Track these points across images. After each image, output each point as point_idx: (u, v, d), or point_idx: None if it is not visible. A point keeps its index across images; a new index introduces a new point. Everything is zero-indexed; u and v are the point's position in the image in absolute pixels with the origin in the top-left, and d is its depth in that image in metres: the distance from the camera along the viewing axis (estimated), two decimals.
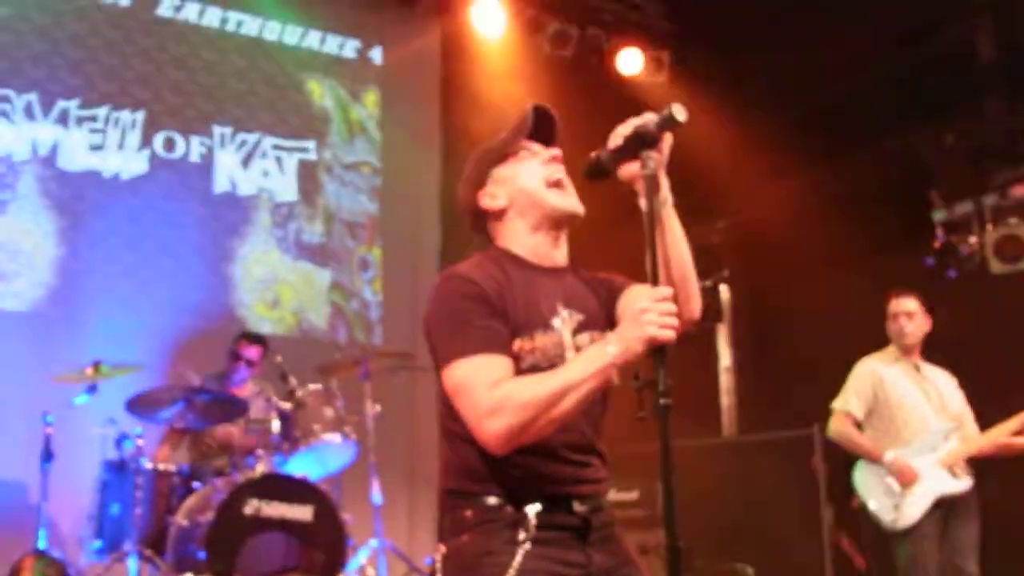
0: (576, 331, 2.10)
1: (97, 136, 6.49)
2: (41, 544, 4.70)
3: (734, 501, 6.95)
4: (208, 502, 4.65)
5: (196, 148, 6.80)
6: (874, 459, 4.54)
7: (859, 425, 4.68)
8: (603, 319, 2.11)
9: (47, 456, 4.88)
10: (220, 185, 6.86)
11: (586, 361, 1.93)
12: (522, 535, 1.99)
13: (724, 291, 8.89)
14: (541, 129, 2.20)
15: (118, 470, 5.04)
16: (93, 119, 6.49)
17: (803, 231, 7.51)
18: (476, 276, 2.05)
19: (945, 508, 4.43)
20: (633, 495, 6.65)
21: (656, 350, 1.86)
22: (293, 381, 5.05)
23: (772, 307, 8.86)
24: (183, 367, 5.41)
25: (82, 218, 6.34)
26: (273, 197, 7.02)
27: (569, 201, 2.15)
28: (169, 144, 6.72)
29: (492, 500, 2.03)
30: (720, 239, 8.82)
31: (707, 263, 8.85)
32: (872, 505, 4.58)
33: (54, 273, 6.21)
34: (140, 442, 4.95)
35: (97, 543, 4.99)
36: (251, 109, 7.05)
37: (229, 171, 6.91)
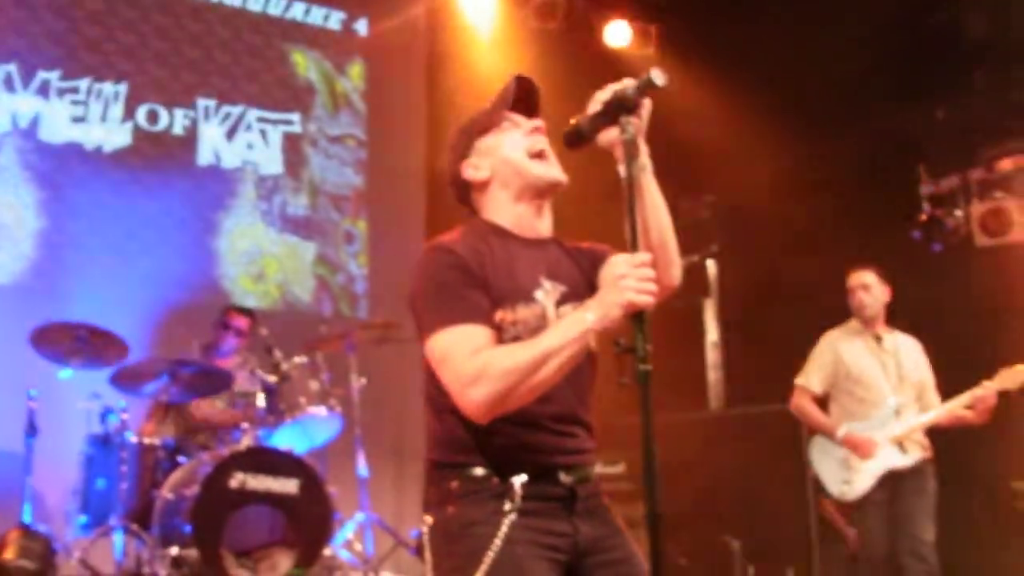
0: (559, 303, 2.10)
1: (79, 108, 6.42)
2: (26, 519, 4.68)
3: (720, 475, 6.98)
4: (194, 476, 4.64)
5: (180, 120, 6.73)
6: (829, 434, 4.65)
7: (821, 400, 4.77)
8: (586, 290, 2.08)
9: (31, 431, 4.84)
10: (204, 158, 6.81)
11: (565, 327, 1.94)
12: (507, 505, 1.99)
13: (712, 266, 8.88)
14: (524, 100, 2.20)
15: (103, 444, 5.03)
16: (75, 91, 6.42)
17: (791, 206, 7.50)
18: (458, 248, 2.06)
19: (895, 480, 4.50)
20: (619, 468, 6.68)
21: (635, 316, 1.87)
22: (278, 354, 5.04)
23: (760, 282, 8.87)
24: (170, 341, 5.38)
25: (64, 191, 6.28)
26: (258, 170, 6.97)
27: (551, 171, 2.15)
28: (152, 116, 6.65)
29: (478, 471, 2.04)
30: (708, 214, 8.80)
31: (695, 238, 8.94)
32: (823, 477, 4.71)
33: (36, 246, 6.15)
34: (125, 416, 4.93)
35: (83, 518, 4.97)
36: (235, 81, 6.98)
37: (213, 144, 6.85)
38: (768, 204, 7.87)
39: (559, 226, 2.29)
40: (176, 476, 4.80)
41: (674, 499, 6.84)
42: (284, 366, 4.99)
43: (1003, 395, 4.38)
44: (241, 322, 5.64)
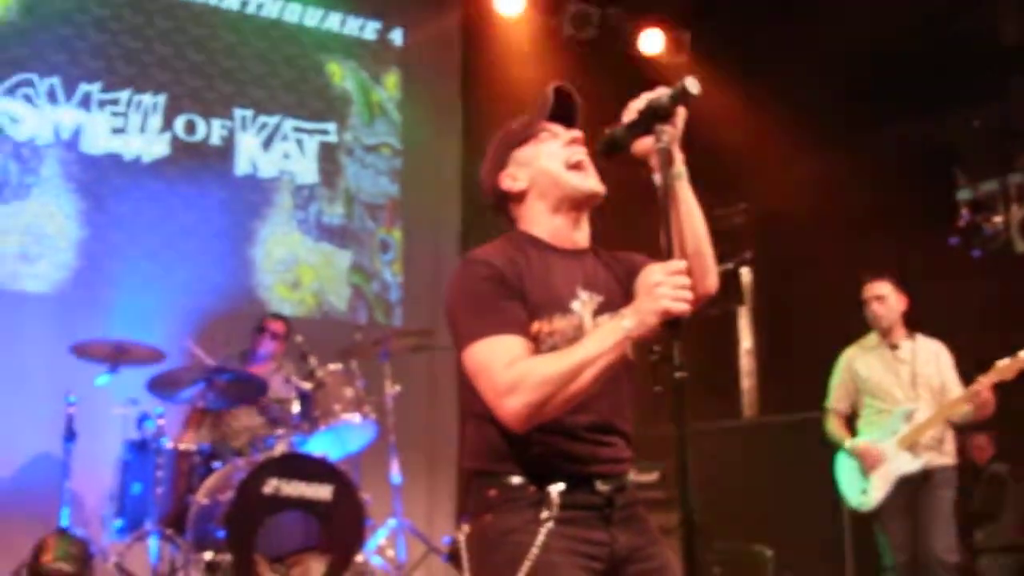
0: (596, 313, 2.10)
1: (119, 119, 6.52)
2: (64, 522, 4.76)
3: (754, 483, 6.94)
4: (228, 481, 4.68)
5: (217, 131, 6.82)
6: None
7: (851, 417, 4.81)
8: (623, 299, 2.06)
9: (69, 436, 4.92)
10: (241, 167, 6.89)
11: (602, 336, 1.94)
12: (545, 514, 2.00)
13: (746, 273, 8.84)
14: (562, 111, 2.19)
15: (139, 450, 5.09)
16: (115, 102, 6.53)
17: (826, 212, 7.45)
18: (495, 259, 2.06)
19: (912, 487, 4.50)
20: (654, 476, 6.64)
21: (671, 323, 1.86)
22: (313, 361, 5.08)
23: (794, 289, 8.81)
24: (199, 348, 5.45)
25: (104, 201, 6.38)
26: (294, 179, 7.04)
27: (589, 182, 2.14)
28: (190, 127, 6.75)
29: (515, 479, 2.04)
30: (742, 220, 8.76)
31: (729, 245, 8.89)
32: (843, 489, 4.75)
33: (77, 255, 6.26)
34: (161, 422, 4.99)
35: (119, 522, 5.03)
36: (272, 91, 7.07)
37: (250, 153, 6.93)
38: (803, 210, 7.83)
39: (596, 235, 2.30)
40: (211, 481, 4.86)
41: (708, 507, 6.80)
42: (319, 373, 5.03)
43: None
44: (278, 326, 5.71)
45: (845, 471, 4.76)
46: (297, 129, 7.11)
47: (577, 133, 2.17)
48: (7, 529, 5.22)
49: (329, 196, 7.09)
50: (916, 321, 4.81)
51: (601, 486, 2.05)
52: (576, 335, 2.03)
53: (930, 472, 4.52)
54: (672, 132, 1.99)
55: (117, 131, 6.51)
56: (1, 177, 6.13)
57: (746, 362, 9.03)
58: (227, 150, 6.84)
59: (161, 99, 6.65)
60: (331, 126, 7.25)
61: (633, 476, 6.62)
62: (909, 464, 4.50)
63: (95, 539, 4.89)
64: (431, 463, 6.94)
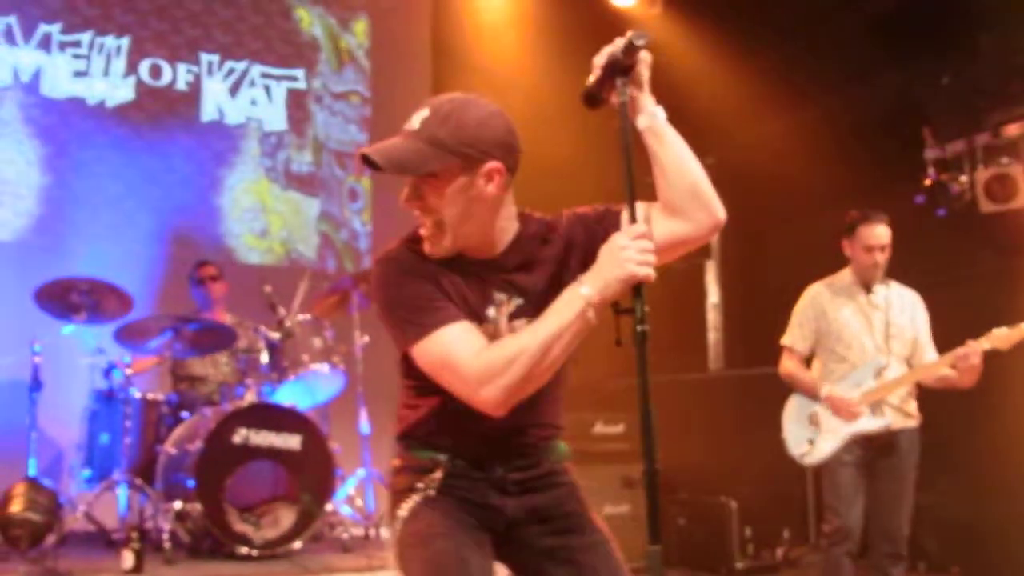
0: (513, 316, 2.06)
1: (81, 62, 6.38)
2: (31, 472, 4.72)
3: (719, 435, 7.04)
4: (197, 431, 4.67)
5: (183, 76, 6.70)
6: (812, 395, 4.31)
7: (808, 358, 4.43)
8: (562, 280, 2.02)
9: (36, 385, 4.86)
10: (208, 114, 6.78)
11: (561, 308, 1.90)
12: (438, 474, 2.08)
13: None
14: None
15: (107, 400, 5.06)
16: (76, 44, 6.38)
17: (794, 168, 7.48)
18: (411, 262, 2.03)
19: (868, 447, 4.21)
20: (619, 428, 6.72)
21: (634, 288, 1.84)
22: (282, 311, 5.04)
23: (761, 244, 8.88)
24: (173, 298, 5.37)
25: (67, 146, 6.27)
26: (262, 126, 6.95)
27: (435, 251, 2.03)
28: (155, 71, 6.62)
29: (419, 453, 2.11)
30: (710, 175, 8.77)
31: None
32: (786, 434, 4.40)
33: (39, 202, 6.15)
34: (128, 372, 4.94)
35: (87, 472, 5.02)
36: (239, 36, 6.94)
37: (217, 99, 6.82)
38: (770, 166, 7.85)
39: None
40: (179, 431, 4.84)
41: (673, 459, 6.91)
42: (287, 323, 5.00)
43: (994, 355, 4.06)
44: (210, 269, 5.66)
45: (793, 417, 4.40)
46: (265, 75, 7.00)
47: (405, 205, 2.04)
48: None
49: (297, 143, 7.01)
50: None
51: (499, 469, 2.10)
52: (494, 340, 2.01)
53: (895, 435, 4.21)
54: (638, 79, 1.97)
55: (79, 74, 6.37)
56: None
57: (713, 316, 9.10)
58: (193, 96, 6.73)
59: (124, 42, 6.50)
60: (299, 72, 7.14)
61: (599, 427, 6.63)
62: (868, 423, 4.17)
63: (63, 489, 4.87)
64: None
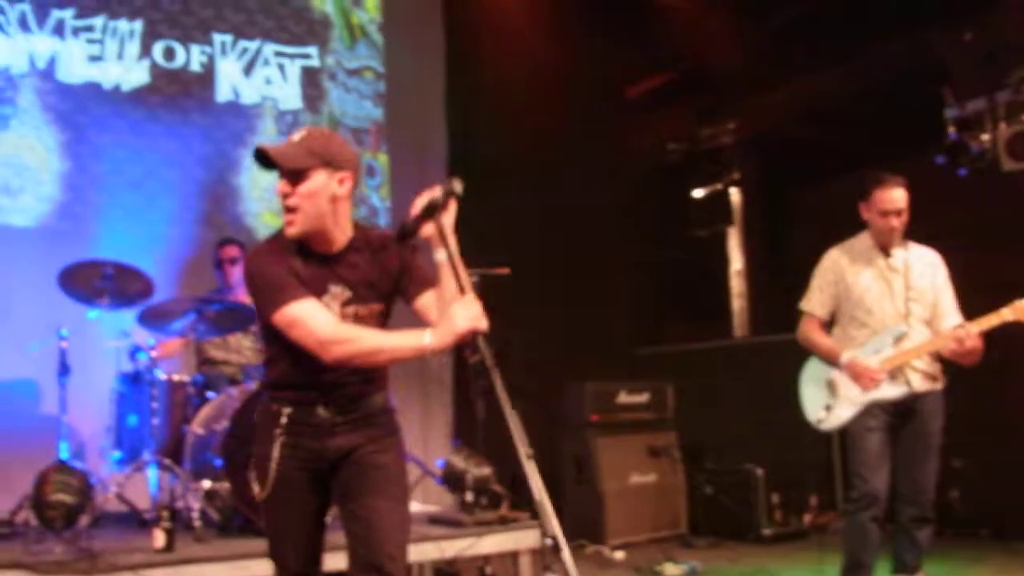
0: (344, 304, 2.71)
1: (95, 47, 6.38)
2: (63, 455, 4.78)
3: (745, 403, 7.03)
4: (223, 411, 4.70)
5: (197, 57, 6.69)
6: (832, 361, 4.27)
7: (828, 324, 4.39)
8: (372, 294, 2.74)
9: (63, 370, 4.89)
10: (223, 94, 6.78)
11: (407, 340, 2.57)
12: (277, 431, 2.73)
13: (735, 193, 8.81)
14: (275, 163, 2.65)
15: (133, 382, 5.10)
16: (90, 29, 6.38)
17: (816, 131, 7.41)
18: (272, 255, 2.69)
19: (891, 413, 4.17)
20: (643, 398, 6.72)
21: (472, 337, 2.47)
22: None
23: (784, 209, 8.81)
24: (194, 278, 5.38)
25: (85, 131, 6.28)
26: (277, 105, 6.94)
27: (290, 230, 2.66)
28: (169, 53, 6.61)
29: (269, 404, 2.79)
30: (731, 140, 8.70)
31: (717, 165, 8.83)
32: (804, 399, 4.38)
33: (60, 187, 6.18)
34: (153, 354, 4.98)
35: (117, 453, 5.08)
36: (250, 15, 6.92)
37: (231, 80, 6.82)
38: (793, 129, 7.78)
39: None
40: (206, 411, 4.88)
41: (698, 428, 6.94)
42: None
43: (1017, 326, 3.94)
44: (232, 251, 5.67)
45: (810, 383, 4.37)
46: (278, 54, 6.99)
47: (280, 188, 2.65)
48: (7, 465, 5.24)
49: (313, 121, 6.99)
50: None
51: (322, 412, 2.71)
52: None
53: (919, 398, 4.17)
54: (447, 220, 2.54)
55: (94, 59, 6.37)
56: None
57: (736, 283, 9.05)
58: (207, 77, 6.72)
59: (137, 25, 6.50)
60: (313, 50, 7.12)
61: (623, 397, 6.61)
62: (887, 390, 4.14)
63: (95, 471, 4.92)
64: (425, 387, 6.99)
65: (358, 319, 2.70)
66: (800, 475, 6.51)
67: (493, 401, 2.35)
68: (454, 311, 2.49)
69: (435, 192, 2.55)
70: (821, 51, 7.13)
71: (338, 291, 2.70)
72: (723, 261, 9.05)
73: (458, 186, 2.54)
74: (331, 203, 2.66)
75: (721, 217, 8.90)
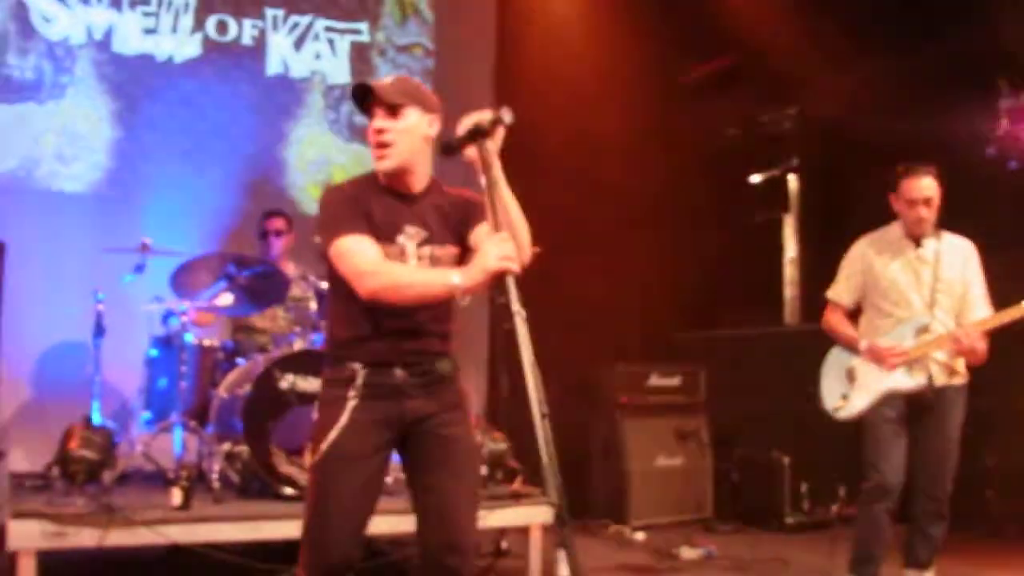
0: (420, 244, 2.72)
1: (150, 20, 6.56)
2: (95, 415, 4.95)
3: (782, 391, 6.93)
4: (248, 376, 4.81)
5: (248, 31, 6.83)
6: (853, 348, 4.25)
7: (855, 313, 4.36)
8: (449, 236, 2.75)
9: (99, 332, 5.08)
10: (273, 67, 6.91)
11: (436, 276, 2.59)
12: (351, 393, 2.65)
13: (792, 180, 8.67)
14: (377, 98, 2.69)
15: (165, 345, 5.25)
16: (146, 2, 6.57)
17: (873, 119, 7.24)
18: (348, 190, 2.75)
19: (911, 405, 4.13)
20: (675, 381, 6.69)
21: (499, 278, 2.40)
22: None
23: (841, 197, 8.63)
24: (239, 250, 5.49)
25: (137, 101, 6.47)
26: (326, 79, 7.05)
27: (381, 165, 2.69)
28: (222, 27, 6.76)
29: (337, 364, 2.72)
30: (791, 126, 8.55)
31: (776, 151, 8.67)
32: (823, 388, 4.36)
33: (111, 156, 6.39)
34: (185, 318, 5.11)
35: (147, 414, 5.24)
36: None
37: (282, 53, 6.94)
38: (851, 117, 7.62)
39: None
40: (232, 376, 5.00)
41: (734, 415, 6.87)
42: None
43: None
44: (277, 223, 5.73)
45: (831, 371, 4.36)
46: (329, 29, 7.09)
47: (377, 123, 2.68)
48: (44, 419, 5.46)
49: None
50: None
51: (399, 372, 2.67)
52: (400, 261, 2.68)
53: (939, 391, 4.12)
54: (491, 147, 2.48)
55: (149, 31, 6.55)
56: (36, 77, 6.25)
57: (790, 271, 8.91)
58: (258, 50, 6.86)
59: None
60: (363, 25, 7.20)
61: (654, 379, 6.60)
62: (903, 381, 4.12)
63: (125, 430, 5.09)
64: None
65: (434, 261, 2.70)
66: (832, 465, 6.40)
67: (518, 376, 2.31)
68: (485, 248, 2.45)
69: (483, 116, 2.49)
70: (885, 37, 6.96)
71: (414, 231, 2.70)
72: (778, 248, 8.92)
73: (507, 116, 2.47)
74: (422, 142, 2.70)
75: (778, 203, 8.77)
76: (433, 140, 2.72)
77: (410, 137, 2.68)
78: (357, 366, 2.66)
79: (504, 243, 2.41)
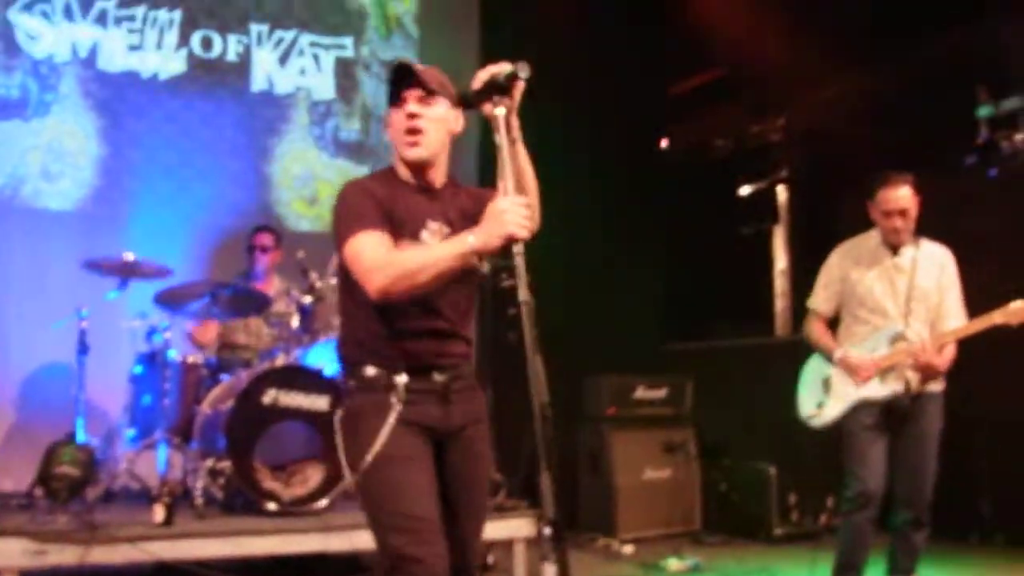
0: (443, 240, 2.56)
1: (135, 36, 6.58)
2: (78, 432, 4.94)
3: (770, 402, 6.92)
4: (231, 392, 4.82)
5: (233, 47, 6.85)
6: (827, 355, 4.27)
7: (833, 321, 4.36)
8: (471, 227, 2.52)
9: (82, 349, 5.08)
10: (258, 83, 6.92)
11: (449, 245, 2.41)
12: (393, 399, 2.50)
13: (781, 191, 8.69)
14: (415, 79, 2.60)
15: (150, 362, 5.25)
16: (131, 19, 6.58)
17: (861, 129, 7.26)
18: (368, 185, 2.61)
19: (888, 413, 4.12)
20: (661, 393, 6.68)
21: (508, 245, 2.26)
22: (313, 275, 5.13)
23: (829, 208, 8.65)
24: (224, 265, 5.51)
25: (122, 118, 6.48)
26: (311, 95, 7.06)
27: (413, 152, 2.59)
28: (207, 43, 6.78)
29: (370, 371, 2.55)
30: (779, 137, 8.58)
31: (764, 162, 8.69)
32: (800, 395, 4.38)
33: (97, 173, 6.39)
34: (168, 335, 5.12)
35: (131, 431, 5.24)
36: (287, 5, 7.06)
37: (266, 69, 6.96)
38: (838, 127, 7.64)
39: None
40: (215, 392, 5.00)
41: (723, 425, 6.86)
42: (319, 286, 5.08)
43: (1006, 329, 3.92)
44: (265, 239, 5.78)
45: (809, 379, 4.36)
46: (313, 44, 7.11)
47: (411, 108, 2.57)
48: (29, 439, 5.43)
49: (346, 112, 7.10)
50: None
51: (438, 376, 2.55)
52: None
53: (916, 399, 4.11)
54: (509, 104, 2.36)
55: (134, 48, 6.57)
56: (21, 95, 6.26)
57: (780, 282, 8.92)
58: (243, 66, 6.87)
59: (177, 15, 6.68)
60: (348, 40, 7.22)
61: (641, 391, 6.59)
62: (877, 389, 4.11)
63: (113, 448, 5.08)
64: None
65: None
66: (818, 476, 6.40)
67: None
68: (498, 207, 2.28)
69: (500, 69, 2.36)
70: (872, 48, 6.99)
71: (437, 227, 2.61)
72: (767, 260, 8.93)
73: (524, 71, 2.34)
74: (448, 136, 2.65)
75: (767, 215, 8.79)
76: (457, 132, 2.66)
77: (440, 127, 2.60)
78: (394, 370, 2.51)
79: (517, 206, 2.26)
